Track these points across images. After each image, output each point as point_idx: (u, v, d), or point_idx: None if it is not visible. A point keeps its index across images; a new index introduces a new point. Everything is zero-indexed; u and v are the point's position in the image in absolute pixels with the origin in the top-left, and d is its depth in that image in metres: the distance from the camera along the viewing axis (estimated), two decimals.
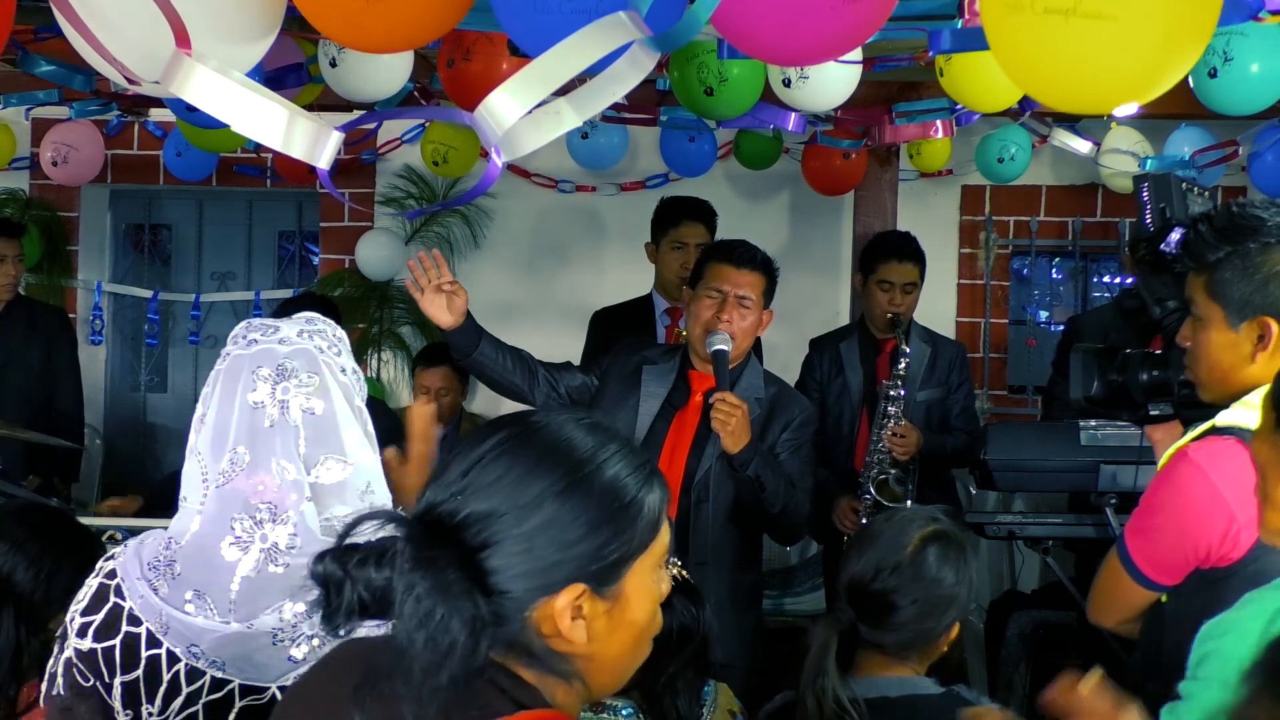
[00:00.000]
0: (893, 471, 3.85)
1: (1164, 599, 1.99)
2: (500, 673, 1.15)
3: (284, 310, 3.72)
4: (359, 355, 5.63)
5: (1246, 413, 1.87)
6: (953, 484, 4.32)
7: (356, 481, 1.66)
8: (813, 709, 1.93)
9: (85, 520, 2.82)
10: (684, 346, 3.20)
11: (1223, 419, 1.91)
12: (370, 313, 5.70)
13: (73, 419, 4.86)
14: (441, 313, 2.93)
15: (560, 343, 5.07)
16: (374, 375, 5.74)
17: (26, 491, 3.64)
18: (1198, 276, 1.98)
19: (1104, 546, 2.12)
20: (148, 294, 5.99)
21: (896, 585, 1.99)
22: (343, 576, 1.12)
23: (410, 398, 5.27)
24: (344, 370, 1.71)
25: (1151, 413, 2.26)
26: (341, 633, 1.14)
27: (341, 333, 1.76)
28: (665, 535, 1.23)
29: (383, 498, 1.70)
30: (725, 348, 3.01)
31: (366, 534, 1.20)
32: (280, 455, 1.60)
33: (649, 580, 1.21)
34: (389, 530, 1.14)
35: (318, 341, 1.69)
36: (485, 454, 1.17)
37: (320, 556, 1.14)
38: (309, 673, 1.31)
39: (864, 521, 3.74)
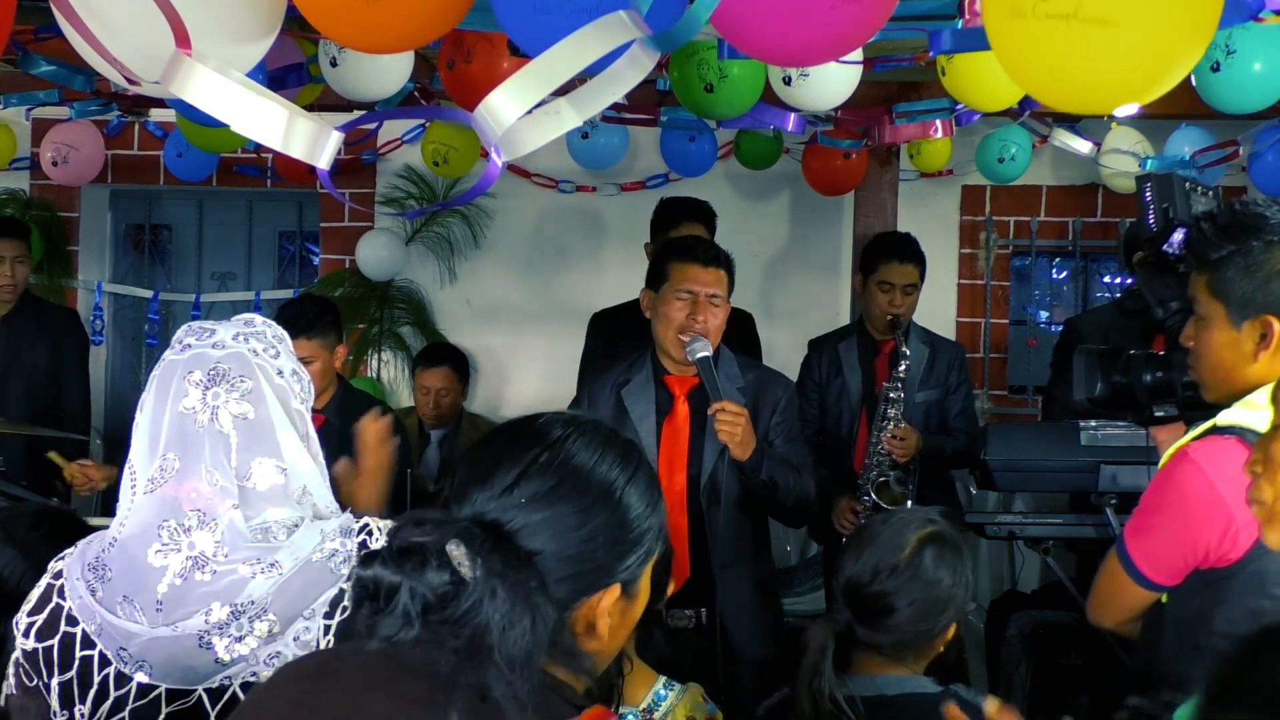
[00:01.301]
0: (892, 473, 3.85)
1: (1164, 599, 1.99)
2: (544, 674, 1.18)
3: (284, 312, 3.72)
4: (359, 355, 5.67)
5: (1248, 412, 1.87)
6: (953, 484, 4.32)
7: (293, 485, 1.64)
8: (808, 707, 1.93)
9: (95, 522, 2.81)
10: (649, 352, 3.13)
11: (1224, 418, 1.91)
12: (370, 313, 5.69)
13: (79, 420, 4.84)
14: None
15: (560, 343, 5.08)
16: (374, 375, 5.73)
17: (26, 492, 3.63)
18: (1200, 275, 1.98)
19: (1104, 547, 2.11)
20: (148, 294, 5.99)
21: (894, 587, 1.99)
22: (398, 580, 1.12)
23: (410, 398, 5.26)
24: (280, 373, 1.68)
25: (1155, 414, 2.26)
26: (400, 637, 1.13)
27: (281, 332, 1.74)
28: None
29: (321, 501, 1.68)
30: (708, 354, 2.95)
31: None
32: (209, 462, 1.59)
33: (649, 577, 1.32)
34: (436, 533, 1.14)
35: (253, 344, 1.67)
36: (530, 466, 1.24)
37: (367, 560, 1.14)
38: (287, 682, 1.23)
39: (861, 524, 3.73)
